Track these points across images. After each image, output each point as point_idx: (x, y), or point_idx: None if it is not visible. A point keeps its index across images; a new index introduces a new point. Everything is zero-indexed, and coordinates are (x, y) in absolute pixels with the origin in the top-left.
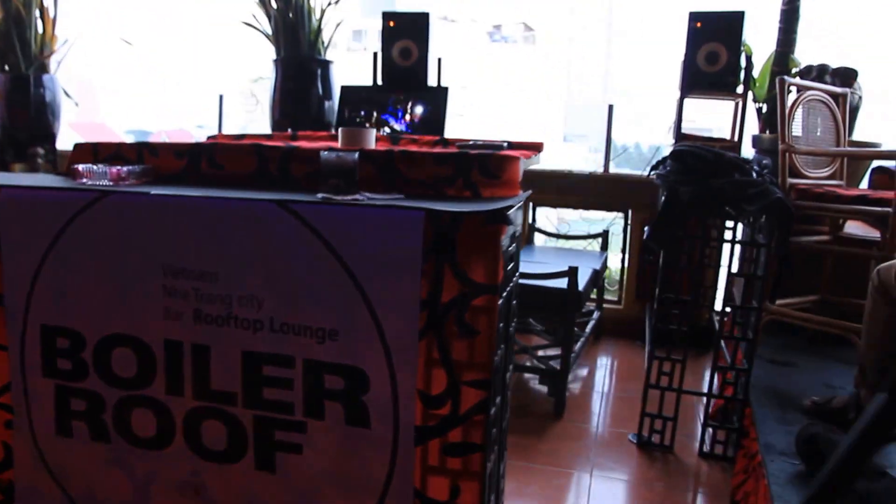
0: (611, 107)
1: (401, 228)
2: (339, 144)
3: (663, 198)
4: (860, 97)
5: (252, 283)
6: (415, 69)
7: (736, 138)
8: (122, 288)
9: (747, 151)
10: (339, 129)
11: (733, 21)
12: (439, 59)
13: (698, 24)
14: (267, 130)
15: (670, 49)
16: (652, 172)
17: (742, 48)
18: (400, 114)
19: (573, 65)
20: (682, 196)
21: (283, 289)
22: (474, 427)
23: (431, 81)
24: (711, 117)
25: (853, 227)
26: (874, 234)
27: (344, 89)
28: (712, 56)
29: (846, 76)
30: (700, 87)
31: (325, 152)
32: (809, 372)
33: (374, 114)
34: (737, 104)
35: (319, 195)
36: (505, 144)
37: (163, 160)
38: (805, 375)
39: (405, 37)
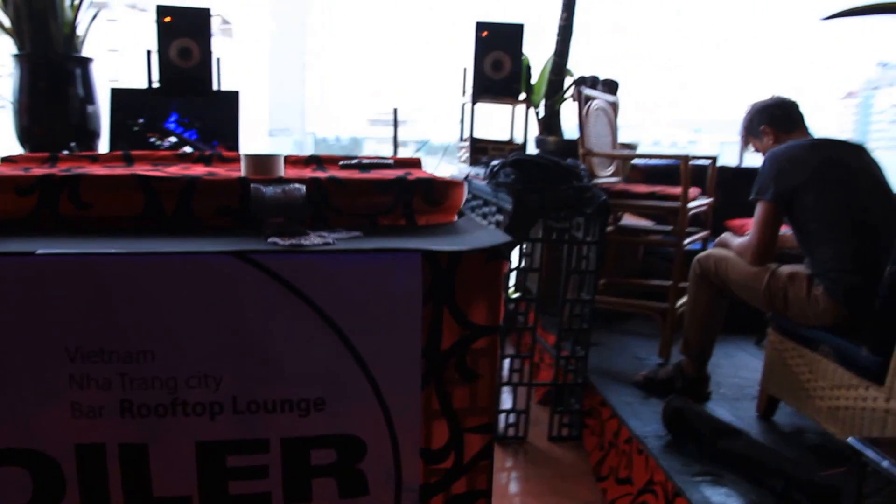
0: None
1: (395, 273)
2: (241, 172)
3: (509, 205)
4: (616, 103)
5: (204, 357)
6: (197, 71)
7: (522, 140)
8: (3, 388)
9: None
10: (241, 155)
11: (514, 32)
12: (218, 60)
13: (484, 34)
14: (10, 139)
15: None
16: (492, 181)
17: (522, 57)
18: (186, 121)
19: (273, 61)
20: (530, 203)
21: (249, 360)
22: (479, 473)
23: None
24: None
25: (627, 220)
26: (644, 223)
27: (115, 93)
28: (497, 64)
29: (612, 86)
30: (488, 93)
31: (267, 186)
32: (617, 349)
33: (155, 122)
34: (514, 108)
35: (274, 240)
36: (392, 162)
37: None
38: (615, 353)
39: (184, 35)
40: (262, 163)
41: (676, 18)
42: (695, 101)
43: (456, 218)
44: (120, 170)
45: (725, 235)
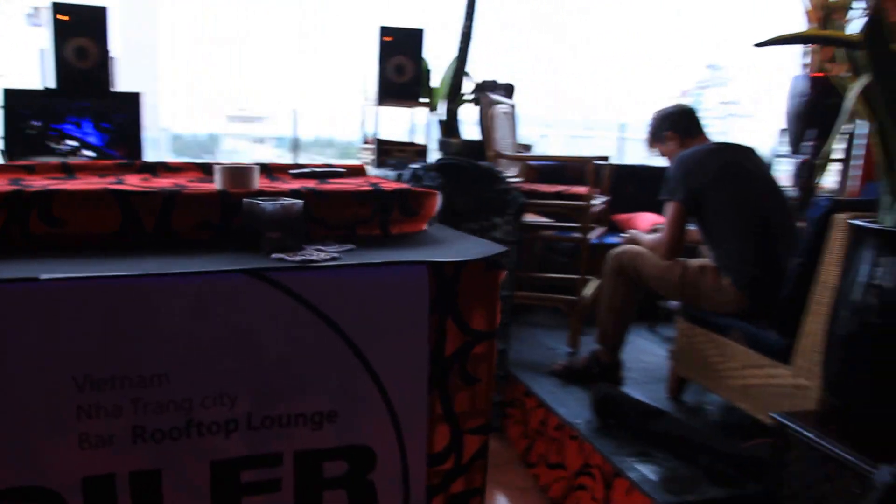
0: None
1: (404, 285)
2: (216, 185)
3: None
4: (514, 106)
5: (219, 376)
6: (94, 72)
7: (426, 142)
8: (5, 422)
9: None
10: (215, 168)
11: (415, 37)
12: (112, 59)
13: (388, 39)
14: None
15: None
16: (417, 184)
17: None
18: (89, 126)
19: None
20: (458, 206)
21: (263, 376)
22: (476, 472)
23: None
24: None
25: (526, 217)
26: (542, 220)
27: (8, 94)
28: (399, 68)
29: (509, 90)
30: (391, 96)
31: (265, 202)
32: (527, 341)
33: (52, 124)
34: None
35: (279, 255)
36: (344, 170)
37: None
38: (526, 345)
39: (81, 34)
40: (239, 175)
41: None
42: (543, 101)
43: (426, 226)
44: (90, 184)
45: (634, 233)
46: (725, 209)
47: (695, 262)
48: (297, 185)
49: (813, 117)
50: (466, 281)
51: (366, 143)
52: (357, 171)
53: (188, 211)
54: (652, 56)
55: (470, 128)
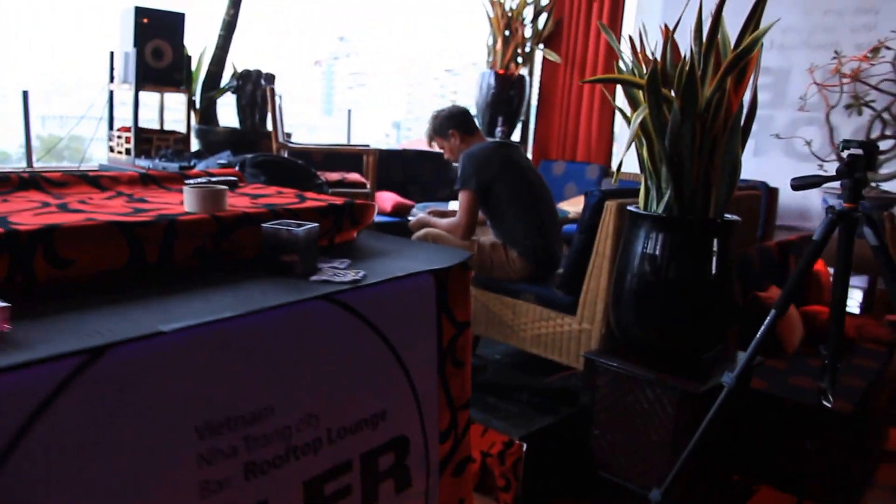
0: None
1: (420, 292)
2: (186, 206)
3: None
4: (281, 96)
5: (308, 398)
6: None
7: (185, 129)
8: (127, 487)
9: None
10: (184, 189)
11: (175, 21)
12: None
13: (145, 20)
14: None
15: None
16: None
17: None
18: None
19: None
20: None
21: (337, 391)
22: (467, 442)
23: None
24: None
25: None
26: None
27: None
28: (158, 52)
29: (270, 80)
30: (149, 81)
31: (292, 227)
32: None
33: None
34: (163, 97)
35: (322, 277)
36: (236, 179)
37: None
38: None
39: None
40: (213, 197)
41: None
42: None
43: (355, 234)
44: (86, 214)
45: (423, 217)
46: (509, 195)
47: (485, 239)
48: (259, 202)
49: (499, 106)
50: (453, 281)
51: (118, 130)
52: (233, 176)
53: (187, 239)
54: (288, 28)
55: (227, 115)
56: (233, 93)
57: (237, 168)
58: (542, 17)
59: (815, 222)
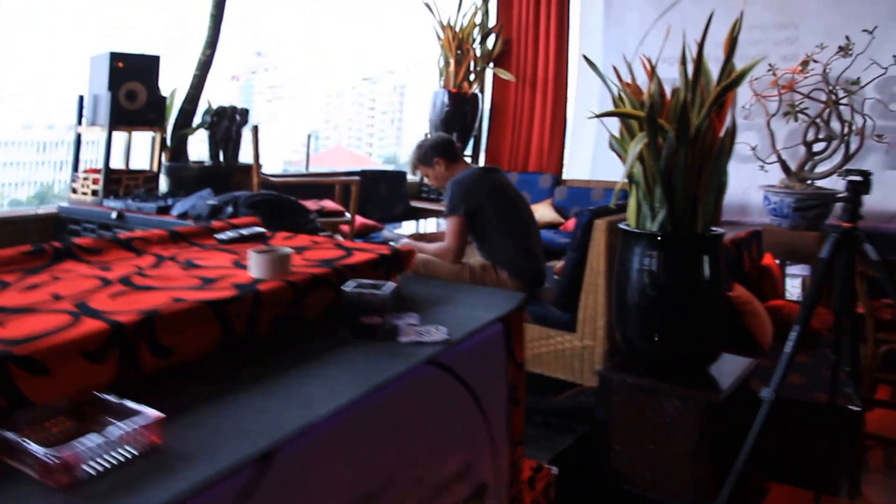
0: None
1: (493, 340)
2: (252, 273)
3: None
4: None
5: (418, 464)
6: None
7: (155, 168)
8: None
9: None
10: (251, 255)
11: (150, 63)
12: None
13: (120, 64)
14: None
15: None
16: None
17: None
18: None
19: None
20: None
21: (438, 451)
22: (519, 471)
23: None
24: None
25: None
26: None
27: None
28: (131, 94)
29: (244, 115)
30: (122, 122)
31: (375, 290)
32: None
33: None
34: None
35: (412, 339)
36: (264, 232)
37: (63, 374)
38: None
39: None
40: (279, 263)
41: None
42: None
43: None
44: (168, 293)
45: (408, 242)
46: (497, 219)
47: (474, 261)
48: (309, 257)
49: (453, 124)
50: (515, 323)
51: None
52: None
53: (269, 309)
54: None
55: (196, 151)
56: (206, 129)
57: (230, 209)
58: (491, 38)
59: (754, 217)
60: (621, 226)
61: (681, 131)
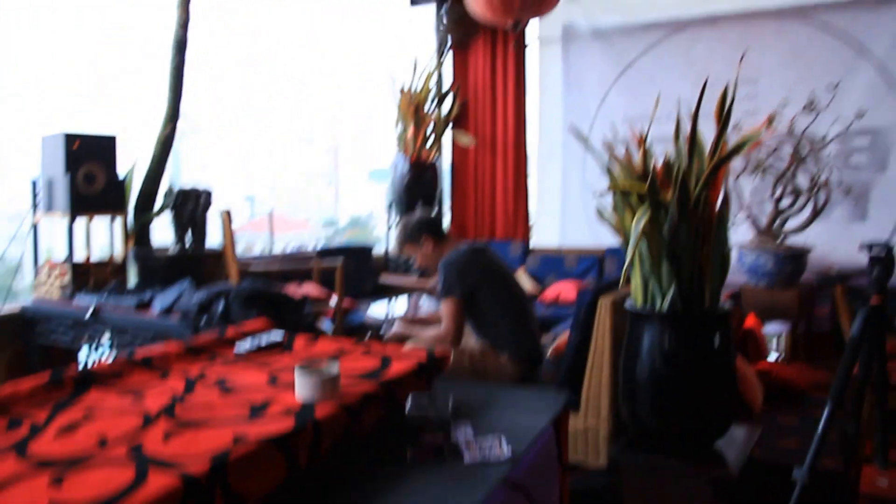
0: None
1: (550, 447)
2: (299, 396)
3: None
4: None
5: None
6: None
7: (120, 257)
8: None
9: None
10: (298, 377)
11: (107, 144)
12: None
13: (75, 146)
14: None
15: None
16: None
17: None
18: None
19: None
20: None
21: None
22: None
23: None
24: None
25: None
26: None
27: None
28: (90, 177)
29: (208, 196)
30: (83, 208)
31: (429, 410)
32: None
33: None
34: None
35: (477, 458)
36: (281, 337)
37: None
38: None
39: None
40: (330, 384)
41: None
42: None
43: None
44: (227, 430)
45: (400, 331)
46: (493, 299)
47: (472, 346)
48: (352, 371)
49: (416, 190)
50: (562, 426)
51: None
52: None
53: (329, 436)
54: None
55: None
56: (171, 210)
57: (221, 304)
58: (448, 100)
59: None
60: (628, 307)
61: (682, 204)
